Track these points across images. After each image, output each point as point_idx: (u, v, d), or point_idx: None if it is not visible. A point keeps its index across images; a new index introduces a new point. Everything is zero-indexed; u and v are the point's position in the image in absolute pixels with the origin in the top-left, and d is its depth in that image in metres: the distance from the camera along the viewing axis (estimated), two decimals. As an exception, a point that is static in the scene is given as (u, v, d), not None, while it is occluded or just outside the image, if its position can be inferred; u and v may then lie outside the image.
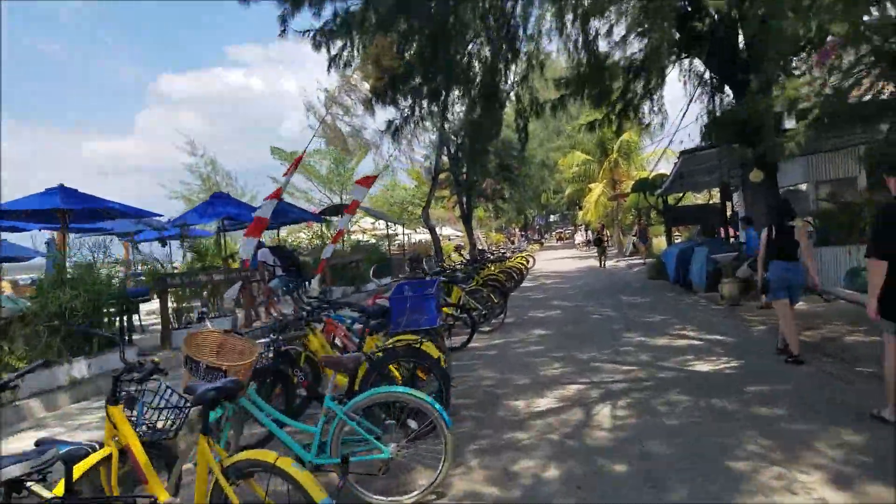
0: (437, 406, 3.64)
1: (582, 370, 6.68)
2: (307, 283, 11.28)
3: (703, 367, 6.34)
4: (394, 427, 3.70)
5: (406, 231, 33.50)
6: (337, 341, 6.68)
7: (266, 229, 20.98)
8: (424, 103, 13.79)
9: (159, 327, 9.55)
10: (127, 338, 8.82)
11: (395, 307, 6.12)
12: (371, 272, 11.21)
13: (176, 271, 10.92)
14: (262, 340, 4.15)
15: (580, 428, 4.75)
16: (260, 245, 11.00)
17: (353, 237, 27.11)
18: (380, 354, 5.12)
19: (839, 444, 3.93)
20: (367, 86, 12.08)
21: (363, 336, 5.15)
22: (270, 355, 4.59)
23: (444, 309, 9.08)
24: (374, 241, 26.37)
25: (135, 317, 9.93)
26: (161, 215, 12.61)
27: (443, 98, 14.22)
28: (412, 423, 3.74)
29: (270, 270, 11.22)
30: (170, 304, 9.79)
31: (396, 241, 30.58)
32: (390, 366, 5.17)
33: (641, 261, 23.00)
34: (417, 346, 5.00)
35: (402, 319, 6.12)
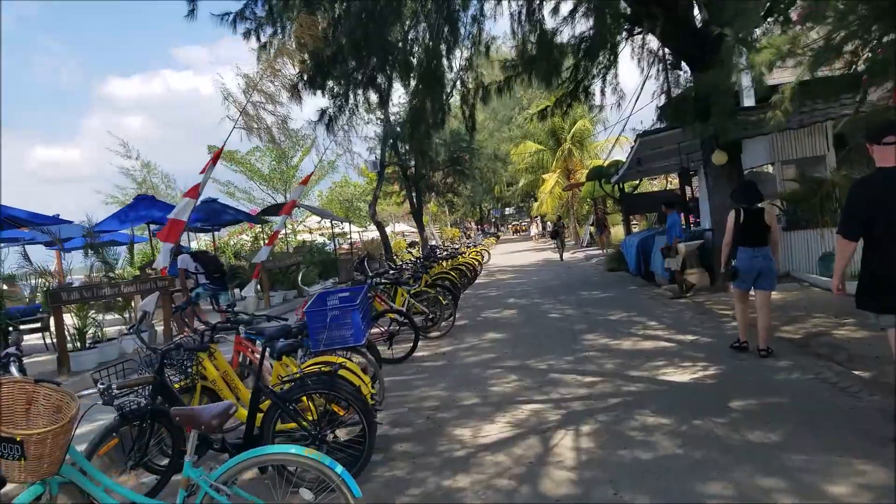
0: (338, 469, 2.63)
1: (539, 384, 5.76)
2: (226, 292, 10.01)
3: (677, 376, 5.49)
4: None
5: (358, 229, 32.24)
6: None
7: (199, 232, 19.63)
8: (360, 90, 12.65)
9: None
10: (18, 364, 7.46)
11: (312, 322, 5.08)
12: (299, 278, 9.86)
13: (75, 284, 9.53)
14: (88, 391, 3.02)
15: (536, 467, 3.81)
16: (179, 250, 9.70)
17: (299, 237, 25.71)
18: (288, 385, 4.09)
19: (861, 484, 3.08)
20: (292, 70, 10.83)
21: (261, 363, 4.06)
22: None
23: (389, 314, 8.10)
24: (322, 240, 24.99)
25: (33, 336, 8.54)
26: (70, 222, 11.19)
27: (383, 84, 13.16)
28: (307, 495, 2.73)
29: (193, 278, 9.96)
30: (73, 322, 8.48)
31: (349, 240, 29.23)
32: (303, 397, 4.14)
33: (600, 251, 22.43)
34: (331, 373, 3.97)
35: (321, 337, 5.10)
